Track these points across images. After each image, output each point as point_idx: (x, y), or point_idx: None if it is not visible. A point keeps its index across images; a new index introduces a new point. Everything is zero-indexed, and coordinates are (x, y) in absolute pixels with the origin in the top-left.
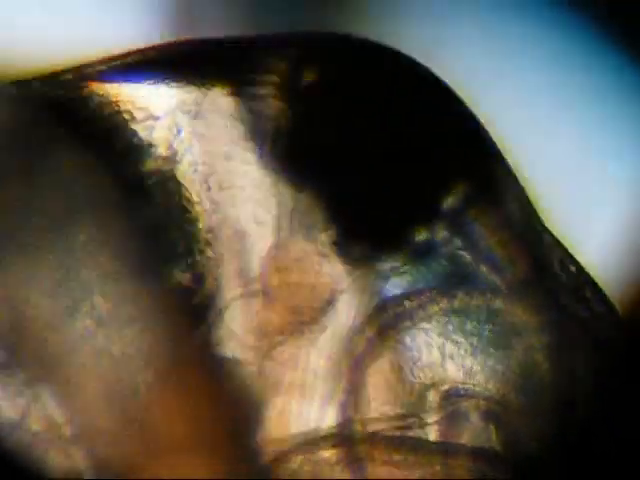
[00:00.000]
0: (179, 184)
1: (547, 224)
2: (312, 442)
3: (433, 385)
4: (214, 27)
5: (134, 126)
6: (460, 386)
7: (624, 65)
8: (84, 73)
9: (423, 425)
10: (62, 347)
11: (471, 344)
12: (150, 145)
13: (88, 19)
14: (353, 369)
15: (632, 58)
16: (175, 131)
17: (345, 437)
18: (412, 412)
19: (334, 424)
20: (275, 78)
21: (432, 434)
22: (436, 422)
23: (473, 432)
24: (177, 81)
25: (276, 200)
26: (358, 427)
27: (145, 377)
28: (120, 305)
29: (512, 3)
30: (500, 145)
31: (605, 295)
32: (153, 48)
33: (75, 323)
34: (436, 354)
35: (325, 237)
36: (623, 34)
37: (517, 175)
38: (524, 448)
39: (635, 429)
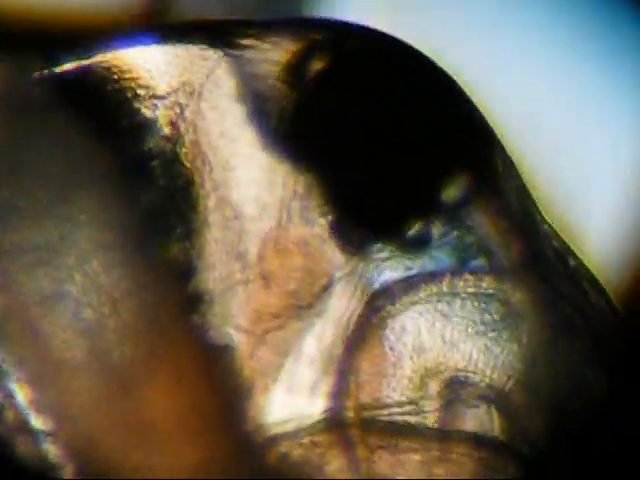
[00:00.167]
0: (180, 164)
1: (546, 216)
2: (303, 427)
3: (432, 372)
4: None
5: (137, 104)
6: (461, 373)
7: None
8: (87, 44)
9: (421, 412)
10: (47, 324)
11: (470, 329)
12: (153, 124)
13: None
14: (346, 354)
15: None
16: (178, 111)
17: (337, 422)
18: (410, 399)
19: (326, 409)
20: (281, 61)
21: (431, 421)
22: (436, 409)
23: (475, 420)
24: (181, 61)
25: (278, 183)
26: (350, 412)
27: (134, 358)
28: (114, 279)
29: None
30: (499, 134)
31: (603, 289)
32: (157, 24)
33: (65, 295)
34: (433, 339)
35: (325, 222)
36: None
37: (516, 166)
38: (528, 439)
39: (635, 425)
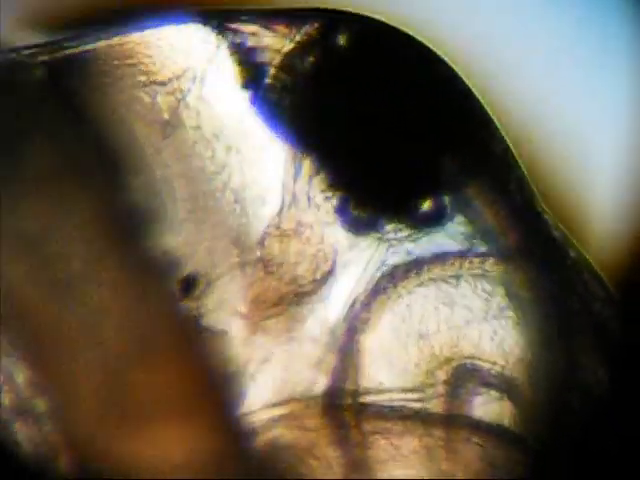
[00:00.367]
0: (182, 150)
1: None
2: (298, 410)
3: (440, 359)
4: None
5: (137, 91)
6: (469, 361)
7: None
8: (88, 30)
9: (426, 398)
10: (42, 311)
11: (475, 313)
12: (153, 110)
13: None
14: (348, 335)
15: None
16: (180, 97)
17: (333, 405)
18: (415, 385)
19: (323, 392)
20: (282, 48)
21: (436, 407)
22: (441, 396)
23: (482, 407)
24: (183, 47)
25: (280, 168)
26: (348, 396)
27: (128, 344)
28: (107, 264)
29: None
30: (498, 121)
31: (603, 279)
32: (159, 10)
33: (56, 284)
34: (439, 322)
35: (328, 206)
36: None
37: (516, 156)
38: (532, 427)
39: (634, 414)
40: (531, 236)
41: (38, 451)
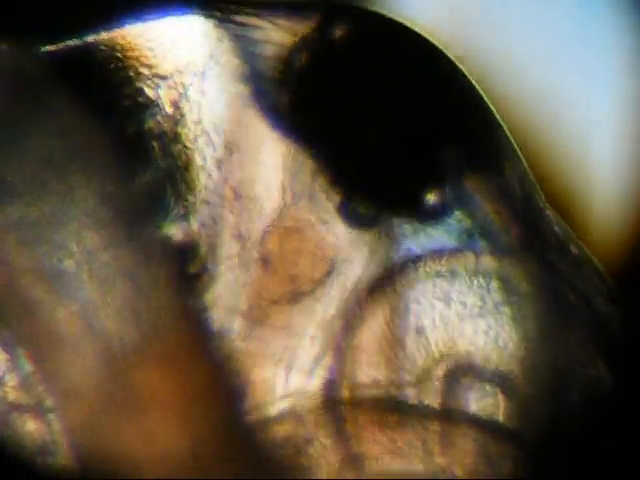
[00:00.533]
0: (181, 144)
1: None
2: (296, 406)
3: (436, 356)
4: None
5: (139, 83)
6: (465, 358)
7: None
8: (92, 21)
9: (423, 393)
10: (45, 301)
11: (471, 309)
12: (155, 104)
13: None
14: (345, 331)
15: None
16: (182, 90)
17: (330, 400)
18: (412, 381)
19: (321, 387)
20: (284, 41)
21: (432, 402)
22: (438, 391)
23: (479, 403)
24: (185, 40)
25: (281, 164)
26: (345, 390)
27: (130, 337)
28: (110, 257)
29: None
30: (500, 116)
31: (606, 276)
32: (161, 3)
33: (60, 275)
34: (435, 319)
35: (329, 204)
36: None
37: (518, 151)
38: (530, 424)
39: (635, 413)
40: (532, 231)
41: (38, 446)
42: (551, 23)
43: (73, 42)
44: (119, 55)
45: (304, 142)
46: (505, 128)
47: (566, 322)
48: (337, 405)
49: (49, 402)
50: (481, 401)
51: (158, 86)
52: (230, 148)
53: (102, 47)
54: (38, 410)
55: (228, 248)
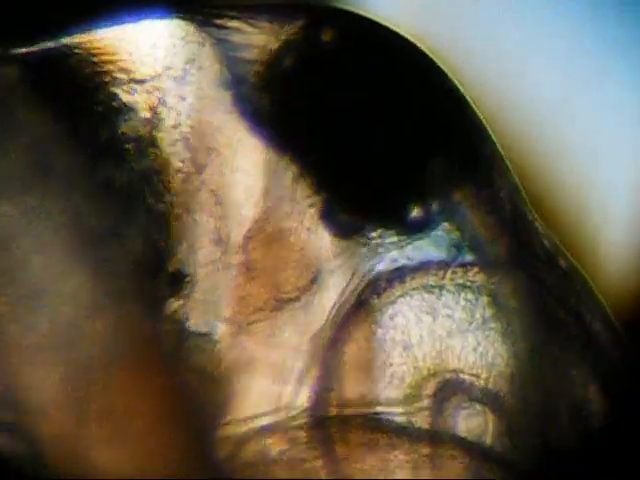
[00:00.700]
0: (160, 149)
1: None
2: (282, 421)
3: (425, 372)
4: None
5: (115, 89)
6: (454, 375)
7: None
8: (68, 24)
9: (412, 412)
10: (14, 310)
11: (459, 324)
12: (130, 109)
13: None
14: (332, 346)
15: None
16: (160, 95)
17: (318, 418)
18: (400, 398)
19: (308, 403)
20: (265, 46)
21: (422, 421)
22: (427, 410)
23: (468, 423)
24: (164, 44)
25: (263, 170)
26: (333, 408)
27: (102, 350)
28: (84, 266)
29: None
30: (489, 127)
31: (595, 291)
32: (141, 6)
33: (27, 289)
34: (422, 334)
35: (313, 211)
36: None
37: (508, 165)
38: (518, 444)
39: (628, 429)
40: (520, 245)
41: (10, 460)
42: (551, 25)
43: (46, 45)
44: (94, 59)
45: (286, 147)
46: (495, 140)
47: (555, 338)
48: (326, 423)
49: (20, 417)
50: (470, 421)
51: (135, 91)
52: (210, 153)
53: (77, 50)
54: (10, 425)
55: (208, 253)
